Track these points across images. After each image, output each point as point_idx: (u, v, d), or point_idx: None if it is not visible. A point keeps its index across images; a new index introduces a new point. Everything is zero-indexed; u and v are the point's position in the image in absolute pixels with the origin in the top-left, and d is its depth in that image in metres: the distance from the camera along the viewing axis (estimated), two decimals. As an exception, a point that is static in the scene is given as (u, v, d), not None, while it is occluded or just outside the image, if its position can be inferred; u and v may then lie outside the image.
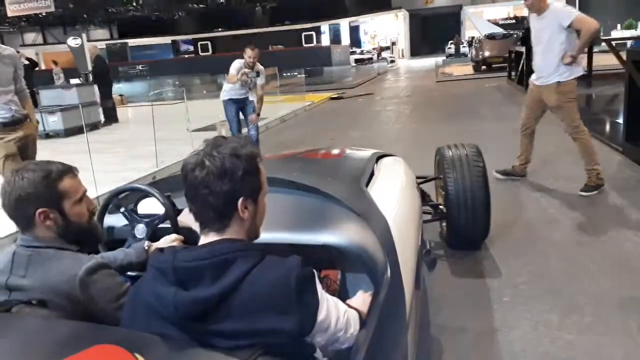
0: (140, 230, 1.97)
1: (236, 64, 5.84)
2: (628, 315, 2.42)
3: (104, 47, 27.41)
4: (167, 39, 42.61)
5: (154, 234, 1.96)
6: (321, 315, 1.15)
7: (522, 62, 11.01)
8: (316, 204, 1.87)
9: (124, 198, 2.08)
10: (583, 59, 4.12)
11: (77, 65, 11.18)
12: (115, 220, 2.06)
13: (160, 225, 1.97)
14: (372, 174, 2.52)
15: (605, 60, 10.77)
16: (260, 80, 5.97)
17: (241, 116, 6.32)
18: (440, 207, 3.32)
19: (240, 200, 1.14)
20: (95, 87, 10.66)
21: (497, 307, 2.60)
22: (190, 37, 42.79)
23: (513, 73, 12.82)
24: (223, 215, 1.14)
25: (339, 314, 1.23)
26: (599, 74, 10.94)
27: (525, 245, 3.32)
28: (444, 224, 3.40)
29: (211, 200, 1.13)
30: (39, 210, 1.38)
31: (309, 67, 21.25)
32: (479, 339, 2.34)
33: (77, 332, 1.10)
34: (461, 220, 3.11)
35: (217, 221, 1.15)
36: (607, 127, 6.88)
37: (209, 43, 41.52)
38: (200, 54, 40.30)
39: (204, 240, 1.17)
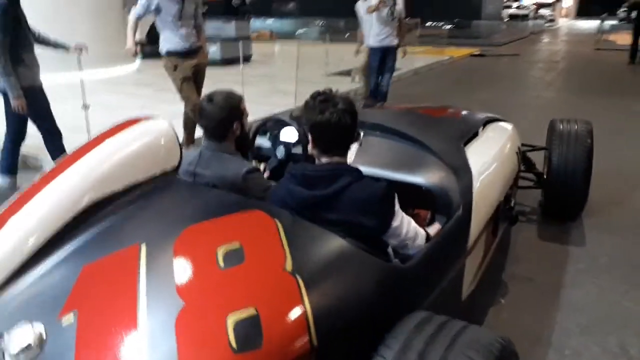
0: (280, 151, 2.60)
1: None
2: None
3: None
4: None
5: (289, 155, 2.58)
6: (395, 223, 1.67)
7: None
8: (415, 151, 2.33)
9: (271, 125, 2.72)
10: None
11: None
12: (263, 141, 2.72)
13: (293, 151, 2.58)
14: (475, 134, 2.89)
15: None
16: (399, 9, 6.06)
17: None
18: (544, 176, 3.54)
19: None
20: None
21: (570, 269, 2.88)
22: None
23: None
24: (349, 145, 1.72)
25: (410, 228, 1.73)
26: None
27: (619, 225, 3.45)
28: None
29: (350, 138, 1.71)
30: (236, 122, 2.07)
31: (456, 18, 20.45)
32: (543, 289, 2.69)
33: (236, 200, 1.74)
34: (559, 192, 3.33)
35: (346, 150, 1.72)
36: None
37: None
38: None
39: (328, 160, 1.71)
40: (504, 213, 2.66)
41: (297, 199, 1.66)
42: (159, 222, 1.61)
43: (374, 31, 6.10)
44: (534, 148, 3.56)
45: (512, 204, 2.79)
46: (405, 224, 1.71)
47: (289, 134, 2.65)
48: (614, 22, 27.75)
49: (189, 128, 4.65)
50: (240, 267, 1.34)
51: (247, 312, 1.21)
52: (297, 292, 1.28)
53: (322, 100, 1.67)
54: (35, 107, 3.67)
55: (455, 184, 2.12)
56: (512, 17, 29.19)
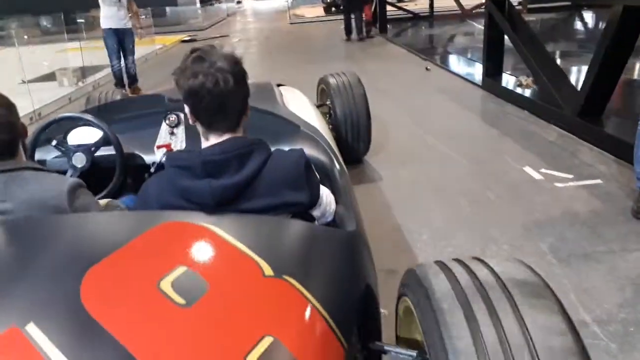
0: (79, 158, 2.02)
1: None
2: (537, 238, 2.74)
3: None
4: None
5: (94, 161, 2.04)
6: (321, 191, 1.46)
7: (374, 3, 11.68)
8: (261, 121, 2.08)
9: (50, 131, 2.09)
10: None
11: None
12: (47, 154, 2.07)
13: (99, 153, 2.05)
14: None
15: (444, 2, 11.87)
16: None
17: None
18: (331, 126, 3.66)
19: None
20: None
21: (417, 245, 2.80)
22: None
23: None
24: (240, 116, 1.36)
25: (326, 192, 1.54)
26: (439, 15, 12.11)
27: (399, 159, 3.93)
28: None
29: (237, 106, 1.33)
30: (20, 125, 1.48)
31: (150, 7, 19.76)
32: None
33: (132, 216, 1.28)
34: (348, 139, 3.57)
35: (236, 123, 1.35)
36: (463, 65, 7.69)
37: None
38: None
39: (214, 141, 1.33)
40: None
41: (203, 195, 1.25)
42: (29, 281, 1.01)
43: (104, 13, 6.38)
44: (320, 105, 3.70)
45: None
46: (323, 190, 1.51)
47: (84, 135, 2.09)
48: (291, -1, 31.07)
49: None
50: (211, 295, 0.96)
51: (264, 343, 0.89)
52: (297, 293, 1.01)
53: (195, 58, 1.29)
54: None
55: (318, 143, 2.02)
56: (203, 2, 29.75)
